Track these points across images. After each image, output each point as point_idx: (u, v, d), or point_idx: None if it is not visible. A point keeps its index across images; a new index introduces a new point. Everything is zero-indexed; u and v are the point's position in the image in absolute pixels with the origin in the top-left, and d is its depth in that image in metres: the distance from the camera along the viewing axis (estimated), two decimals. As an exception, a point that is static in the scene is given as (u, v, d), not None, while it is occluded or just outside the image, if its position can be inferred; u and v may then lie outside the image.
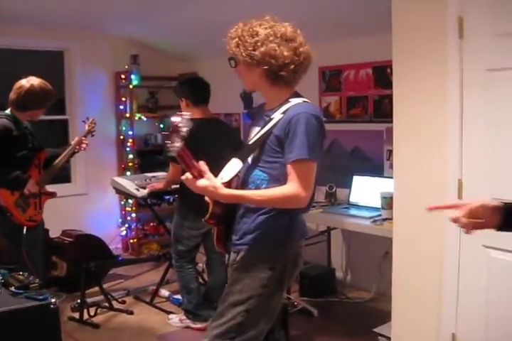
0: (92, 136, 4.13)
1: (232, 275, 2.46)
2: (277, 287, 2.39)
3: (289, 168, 2.24)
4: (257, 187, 2.34)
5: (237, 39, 2.33)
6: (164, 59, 6.69)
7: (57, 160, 3.90)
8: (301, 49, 2.31)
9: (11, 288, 2.98)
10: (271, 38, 2.27)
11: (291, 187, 2.21)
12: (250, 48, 2.28)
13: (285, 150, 2.26)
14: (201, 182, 2.20)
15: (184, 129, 2.13)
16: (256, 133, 2.41)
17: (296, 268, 2.47)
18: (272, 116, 2.33)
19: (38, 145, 3.89)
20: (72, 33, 5.95)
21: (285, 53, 2.27)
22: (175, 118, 2.14)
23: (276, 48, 2.26)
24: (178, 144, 2.13)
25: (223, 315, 2.38)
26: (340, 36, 4.76)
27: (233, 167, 2.43)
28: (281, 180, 2.28)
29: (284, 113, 2.29)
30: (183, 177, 2.25)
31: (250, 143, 2.43)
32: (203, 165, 2.22)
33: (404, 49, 3.07)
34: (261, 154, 2.37)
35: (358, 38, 4.67)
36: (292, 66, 2.29)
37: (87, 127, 4.08)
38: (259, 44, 2.27)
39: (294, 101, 2.33)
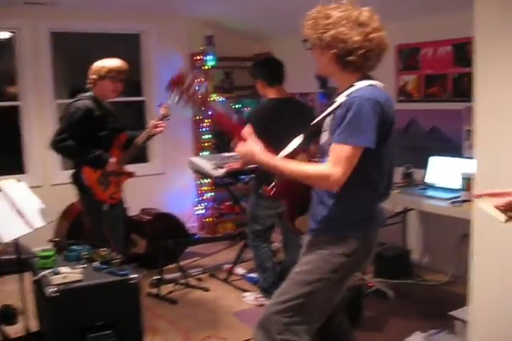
0: (168, 119, 4.20)
1: (304, 255, 2.47)
2: (347, 273, 2.39)
3: (332, 147, 2.21)
4: None
5: (311, 21, 2.31)
6: (239, 39, 6.70)
7: (135, 141, 4.01)
8: (373, 34, 2.24)
9: (94, 263, 3.11)
10: (343, 22, 2.23)
11: (324, 168, 2.19)
12: (321, 31, 2.26)
13: (337, 129, 2.23)
14: (241, 147, 2.35)
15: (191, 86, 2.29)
16: (321, 114, 2.40)
17: (367, 258, 2.46)
18: (335, 99, 2.31)
19: (119, 126, 4.01)
20: (147, 16, 6.05)
21: (355, 38, 2.21)
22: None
23: (347, 32, 2.21)
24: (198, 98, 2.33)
25: (287, 293, 2.40)
26: (418, 13, 4.64)
27: (295, 142, 2.46)
28: None
29: (347, 96, 2.26)
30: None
31: (313, 123, 2.44)
32: (246, 129, 2.31)
33: (487, 24, 2.96)
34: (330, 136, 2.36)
35: (436, 14, 4.54)
36: (362, 51, 2.23)
37: (161, 111, 4.15)
38: (330, 27, 2.24)
39: (359, 84, 2.27)
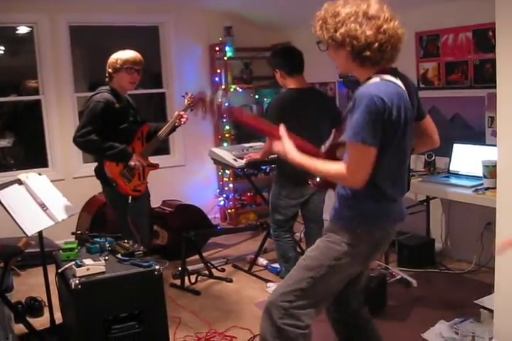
0: (191, 110, 4.20)
1: (316, 242, 2.49)
2: (349, 263, 2.37)
3: (346, 145, 2.21)
4: None
5: (320, 21, 2.27)
6: (257, 30, 6.67)
7: (158, 133, 4.02)
8: (385, 26, 2.17)
9: (117, 255, 3.12)
10: (352, 18, 2.18)
11: (341, 167, 2.21)
12: (332, 30, 2.22)
13: None
14: (276, 146, 2.46)
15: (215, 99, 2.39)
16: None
17: (377, 251, 2.45)
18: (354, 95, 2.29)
19: (141, 118, 4.02)
20: (166, 8, 6.05)
21: (368, 32, 2.16)
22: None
23: (358, 28, 2.16)
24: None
25: (290, 278, 2.45)
26: (437, 0, 4.58)
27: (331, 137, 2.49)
28: None
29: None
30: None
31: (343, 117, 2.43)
32: (281, 128, 2.38)
33: (508, 8, 2.91)
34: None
35: (456, 0, 4.47)
36: (376, 45, 2.17)
37: (186, 102, 4.16)
38: (339, 25, 2.19)
39: (372, 80, 2.23)
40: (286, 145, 2.43)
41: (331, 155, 2.41)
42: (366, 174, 2.17)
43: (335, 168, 2.25)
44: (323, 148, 2.50)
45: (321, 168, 2.32)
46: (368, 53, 2.20)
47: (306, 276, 2.39)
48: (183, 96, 4.20)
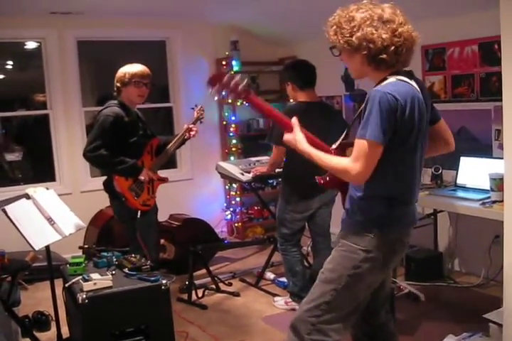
0: (201, 122, 4.22)
1: (331, 253, 2.48)
2: (369, 270, 2.35)
3: (355, 142, 2.23)
4: None
5: (335, 27, 2.29)
6: (264, 44, 6.70)
7: (168, 147, 4.03)
8: (400, 29, 2.22)
9: (124, 270, 3.12)
10: (368, 22, 2.21)
11: (347, 162, 2.23)
12: (347, 35, 2.24)
13: None
14: (287, 135, 2.48)
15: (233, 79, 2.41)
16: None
17: (394, 255, 2.43)
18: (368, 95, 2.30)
19: (150, 132, 4.03)
20: (173, 23, 6.10)
21: (383, 36, 2.19)
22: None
23: (374, 32, 2.19)
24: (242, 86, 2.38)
25: (313, 293, 2.43)
26: (443, 13, 4.60)
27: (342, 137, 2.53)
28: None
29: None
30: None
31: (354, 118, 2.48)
32: (294, 119, 2.44)
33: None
34: None
35: (462, 14, 4.49)
36: (393, 48, 2.21)
37: (195, 114, 4.17)
38: (355, 29, 2.22)
39: (388, 80, 2.26)
40: (298, 135, 2.45)
41: (341, 153, 2.44)
42: (369, 171, 2.20)
43: (342, 162, 2.27)
44: (334, 145, 2.51)
45: (327, 161, 2.33)
46: (384, 56, 2.23)
47: (328, 289, 2.37)
48: (193, 108, 4.21)
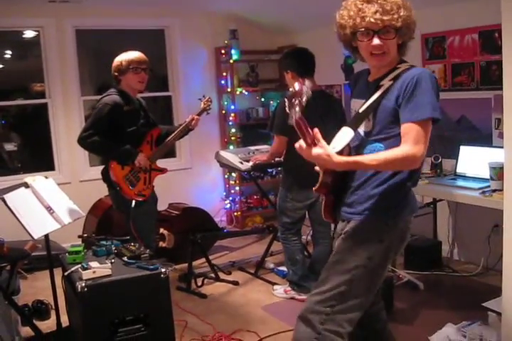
0: (207, 113, 4.19)
1: (339, 244, 2.45)
2: (383, 260, 2.37)
3: (407, 127, 2.17)
4: None
5: (395, 8, 2.18)
6: (263, 32, 6.68)
7: (170, 137, 4.01)
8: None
9: (123, 258, 3.12)
10: (407, 4, 2.21)
11: (408, 149, 2.14)
12: (405, 17, 2.20)
13: (404, 109, 2.19)
14: (316, 151, 2.12)
15: (304, 97, 2.10)
16: (365, 101, 2.34)
17: (402, 243, 2.44)
18: (381, 83, 2.28)
19: (153, 121, 4.01)
20: (171, 11, 6.07)
21: (414, 19, 2.25)
22: (297, 86, 2.11)
23: (412, 15, 2.23)
24: (297, 110, 2.09)
25: (326, 283, 2.38)
26: (443, 1, 4.57)
27: (345, 136, 2.36)
28: None
29: (392, 79, 2.24)
30: (297, 145, 2.18)
31: (361, 111, 2.37)
32: (317, 133, 2.13)
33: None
34: (374, 126, 2.32)
35: (462, 2, 4.46)
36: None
37: (202, 105, 4.14)
38: (407, 13, 2.21)
39: (403, 66, 2.26)
40: (328, 150, 2.13)
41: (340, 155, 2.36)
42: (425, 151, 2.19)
43: (396, 152, 2.15)
44: (338, 148, 2.33)
45: (383, 158, 2.15)
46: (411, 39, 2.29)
47: (343, 279, 2.34)
48: (200, 99, 4.19)
